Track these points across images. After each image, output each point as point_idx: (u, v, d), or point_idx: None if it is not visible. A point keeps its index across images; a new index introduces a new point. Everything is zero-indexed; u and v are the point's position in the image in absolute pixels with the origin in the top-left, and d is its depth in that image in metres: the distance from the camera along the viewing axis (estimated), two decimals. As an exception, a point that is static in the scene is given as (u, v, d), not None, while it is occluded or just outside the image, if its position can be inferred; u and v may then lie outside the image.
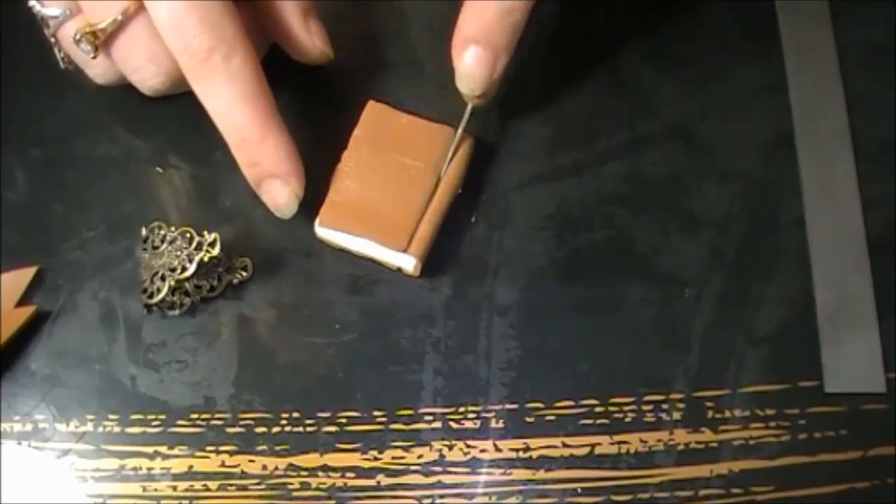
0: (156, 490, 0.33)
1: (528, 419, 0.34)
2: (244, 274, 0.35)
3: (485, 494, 0.33)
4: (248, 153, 0.34)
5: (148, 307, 0.35)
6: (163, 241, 0.35)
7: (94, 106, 0.39)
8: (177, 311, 0.35)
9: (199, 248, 0.34)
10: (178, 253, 0.34)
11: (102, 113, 0.39)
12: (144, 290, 0.35)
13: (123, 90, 0.39)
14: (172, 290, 0.34)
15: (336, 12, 0.41)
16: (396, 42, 0.40)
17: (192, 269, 0.34)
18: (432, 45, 0.40)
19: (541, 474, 0.33)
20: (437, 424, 0.34)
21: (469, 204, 0.37)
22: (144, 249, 0.35)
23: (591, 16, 0.40)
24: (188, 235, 0.34)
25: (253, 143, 0.33)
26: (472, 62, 0.33)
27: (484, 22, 0.33)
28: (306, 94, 0.39)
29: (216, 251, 0.34)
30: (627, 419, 0.34)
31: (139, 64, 0.35)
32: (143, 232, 0.35)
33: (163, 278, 0.34)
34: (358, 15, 0.41)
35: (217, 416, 0.34)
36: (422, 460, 0.33)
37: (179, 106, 0.39)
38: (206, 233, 0.34)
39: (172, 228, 0.35)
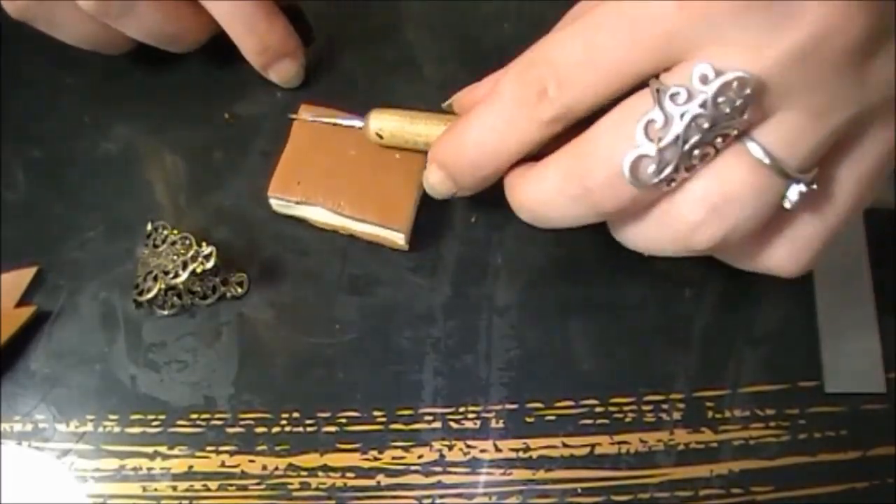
0: (156, 490, 0.33)
1: (528, 419, 0.34)
2: (240, 290, 0.35)
3: (485, 494, 0.33)
4: (260, 41, 0.36)
5: (137, 303, 0.35)
6: (163, 241, 0.35)
7: (94, 106, 0.39)
8: (166, 312, 0.35)
9: (194, 257, 0.34)
10: (175, 257, 0.34)
11: (102, 113, 0.39)
12: (136, 286, 0.35)
13: (124, 89, 0.39)
14: (164, 292, 0.34)
15: (336, 12, 0.41)
16: (395, 42, 0.40)
17: (183, 276, 0.34)
18: (431, 44, 0.40)
19: (541, 474, 0.33)
20: (437, 424, 0.34)
21: (469, 204, 0.37)
22: (146, 245, 0.35)
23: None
24: (188, 242, 0.34)
25: (262, 30, 0.36)
26: (436, 181, 0.32)
27: (454, 157, 0.31)
28: (306, 95, 0.39)
29: (210, 264, 0.34)
30: (627, 419, 0.34)
31: None
32: (149, 227, 0.36)
33: (155, 278, 0.34)
34: (357, 15, 0.41)
35: (217, 416, 0.34)
36: (422, 460, 0.33)
37: (180, 106, 0.39)
38: (205, 244, 0.34)
39: (175, 231, 0.35)
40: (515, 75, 0.29)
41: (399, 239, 0.35)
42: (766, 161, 0.26)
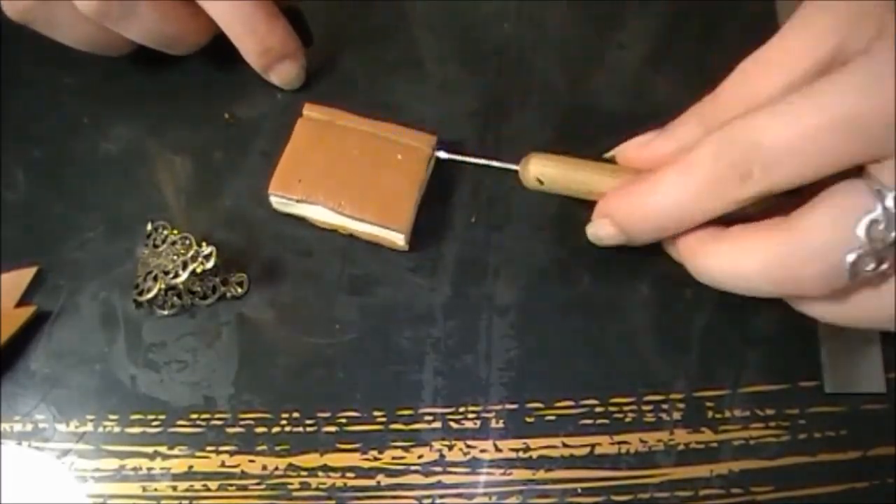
0: (156, 490, 0.33)
1: (528, 419, 0.34)
2: (240, 290, 0.35)
3: (485, 494, 0.33)
4: (261, 42, 0.36)
5: (137, 303, 0.35)
6: (163, 241, 0.35)
7: (94, 106, 0.39)
8: (166, 312, 0.35)
9: (194, 257, 0.34)
10: (175, 257, 0.34)
11: (102, 113, 0.39)
12: (136, 286, 0.35)
13: (124, 89, 0.39)
14: (164, 291, 0.34)
15: (336, 12, 0.41)
16: (396, 42, 0.40)
17: (183, 276, 0.34)
18: (432, 44, 0.40)
19: (541, 474, 0.33)
20: (437, 424, 0.34)
21: (469, 204, 0.37)
22: (146, 245, 0.35)
23: (591, 18, 0.40)
24: (188, 242, 0.34)
25: (263, 32, 0.36)
26: (605, 234, 0.33)
27: (632, 217, 0.32)
28: (306, 95, 0.39)
29: (210, 264, 0.34)
30: (627, 419, 0.34)
31: None
32: (148, 228, 0.36)
33: (155, 278, 0.34)
34: (357, 15, 0.41)
35: (217, 416, 0.34)
36: (422, 460, 0.33)
37: (180, 106, 0.39)
38: (205, 244, 0.34)
39: (175, 231, 0.35)
40: (716, 152, 0.29)
41: (399, 239, 0.35)
42: None
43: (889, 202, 0.26)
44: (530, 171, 0.34)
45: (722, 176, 0.28)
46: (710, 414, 0.34)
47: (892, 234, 0.26)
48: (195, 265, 0.34)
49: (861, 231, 0.27)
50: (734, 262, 0.29)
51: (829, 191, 0.28)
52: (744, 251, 0.29)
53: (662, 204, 0.30)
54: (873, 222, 0.26)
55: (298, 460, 0.33)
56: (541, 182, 0.34)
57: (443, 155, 0.36)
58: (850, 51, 0.28)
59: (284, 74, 0.38)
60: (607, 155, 0.34)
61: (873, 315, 0.29)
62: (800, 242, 0.28)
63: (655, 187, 0.30)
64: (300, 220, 0.36)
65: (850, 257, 0.27)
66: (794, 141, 0.27)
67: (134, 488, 0.33)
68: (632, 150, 0.33)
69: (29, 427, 0.34)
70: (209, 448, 0.33)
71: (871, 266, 0.27)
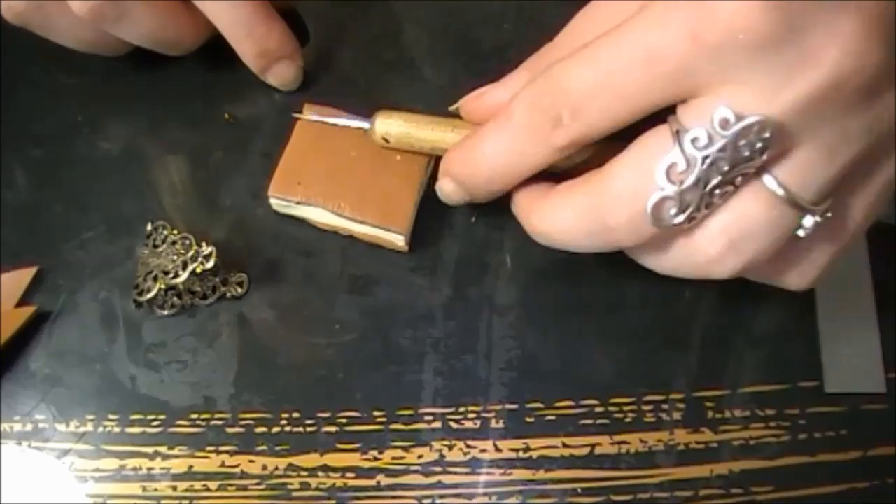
0: (156, 490, 0.33)
1: (528, 419, 0.34)
2: (240, 290, 0.35)
3: (485, 494, 0.33)
4: (259, 44, 0.36)
5: (137, 303, 0.35)
6: (163, 241, 0.35)
7: (93, 106, 0.39)
8: (166, 312, 0.35)
9: (195, 258, 0.34)
10: (175, 258, 0.34)
11: (102, 113, 0.39)
12: (136, 286, 0.35)
13: (123, 89, 0.39)
14: (164, 291, 0.34)
15: (335, 12, 0.41)
16: (395, 42, 0.40)
17: (183, 277, 0.34)
18: (431, 45, 0.40)
19: (541, 474, 0.33)
20: (437, 424, 0.34)
21: (469, 204, 0.37)
22: (146, 245, 0.35)
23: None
24: (188, 242, 0.34)
25: (261, 34, 0.36)
26: (449, 191, 0.33)
27: (467, 172, 0.32)
28: (306, 95, 0.39)
29: (210, 264, 0.34)
30: (627, 419, 0.34)
31: None
32: (148, 228, 0.36)
33: (155, 278, 0.34)
34: (357, 15, 0.41)
35: (217, 416, 0.34)
36: (422, 460, 0.33)
37: (180, 106, 0.39)
38: (205, 244, 0.34)
39: (175, 231, 0.35)
40: (528, 101, 0.29)
41: (399, 241, 0.35)
42: (783, 195, 0.26)
43: (686, 143, 0.26)
44: (376, 129, 0.34)
45: (535, 124, 0.28)
46: (710, 414, 0.34)
47: (692, 177, 0.26)
48: (195, 265, 0.34)
49: (660, 174, 0.26)
50: (556, 218, 0.29)
51: (639, 137, 0.27)
52: (563, 206, 0.29)
53: (488, 157, 0.30)
54: (672, 165, 0.26)
55: (298, 460, 0.33)
56: (386, 140, 0.34)
57: None
58: None
59: (282, 76, 0.38)
60: (451, 108, 0.34)
61: (685, 263, 0.29)
62: (606, 191, 0.28)
63: (481, 142, 0.31)
64: (300, 220, 0.36)
65: (651, 201, 0.26)
66: (596, 82, 0.27)
67: (134, 488, 0.33)
68: (470, 102, 0.33)
69: (29, 427, 0.34)
70: (209, 448, 0.33)
71: (674, 211, 0.26)
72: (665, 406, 0.34)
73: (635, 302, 0.35)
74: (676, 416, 0.34)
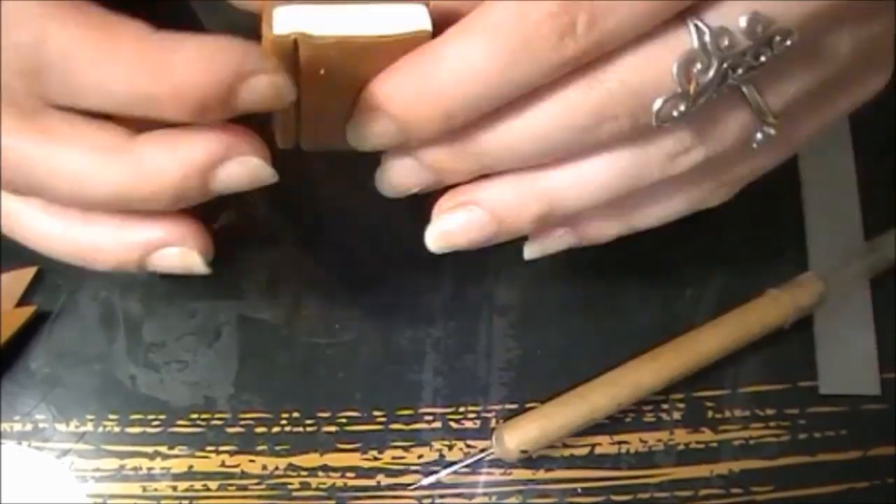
0: (156, 490, 0.33)
1: (528, 419, 0.34)
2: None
3: (485, 494, 0.33)
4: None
5: None
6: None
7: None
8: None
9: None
10: None
11: (102, 113, 0.39)
12: None
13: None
14: None
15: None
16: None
17: None
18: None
19: (541, 474, 0.33)
20: (437, 424, 0.34)
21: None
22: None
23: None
24: None
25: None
26: (378, 131, 0.25)
27: (416, 102, 0.24)
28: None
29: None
30: (627, 419, 0.34)
31: None
32: None
33: None
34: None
35: (217, 416, 0.34)
36: (422, 460, 0.33)
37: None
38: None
39: None
40: (533, 3, 0.22)
41: (419, 16, 0.23)
42: (762, 107, 0.25)
43: (709, 44, 0.23)
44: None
45: (538, 33, 0.22)
46: (710, 414, 0.34)
47: (708, 77, 0.24)
48: None
49: (677, 70, 0.24)
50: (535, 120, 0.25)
51: (651, 34, 0.24)
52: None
53: (455, 79, 0.23)
54: (690, 62, 0.24)
55: (298, 460, 0.33)
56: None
57: None
58: None
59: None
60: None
61: (642, 155, 0.26)
62: (619, 80, 0.24)
63: (444, 59, 0.23)
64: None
65: (661, 98, 0.24)
66: None
67: (134, 488, 0.33)
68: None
69: (29, 427, 0.34)
70: (209, 448, 0.33)
71: (681, 110, 0.24)
72: (665, 406, 0.34)
73: (635, 302, 0.35)
74: (676, 415, 0.34)
